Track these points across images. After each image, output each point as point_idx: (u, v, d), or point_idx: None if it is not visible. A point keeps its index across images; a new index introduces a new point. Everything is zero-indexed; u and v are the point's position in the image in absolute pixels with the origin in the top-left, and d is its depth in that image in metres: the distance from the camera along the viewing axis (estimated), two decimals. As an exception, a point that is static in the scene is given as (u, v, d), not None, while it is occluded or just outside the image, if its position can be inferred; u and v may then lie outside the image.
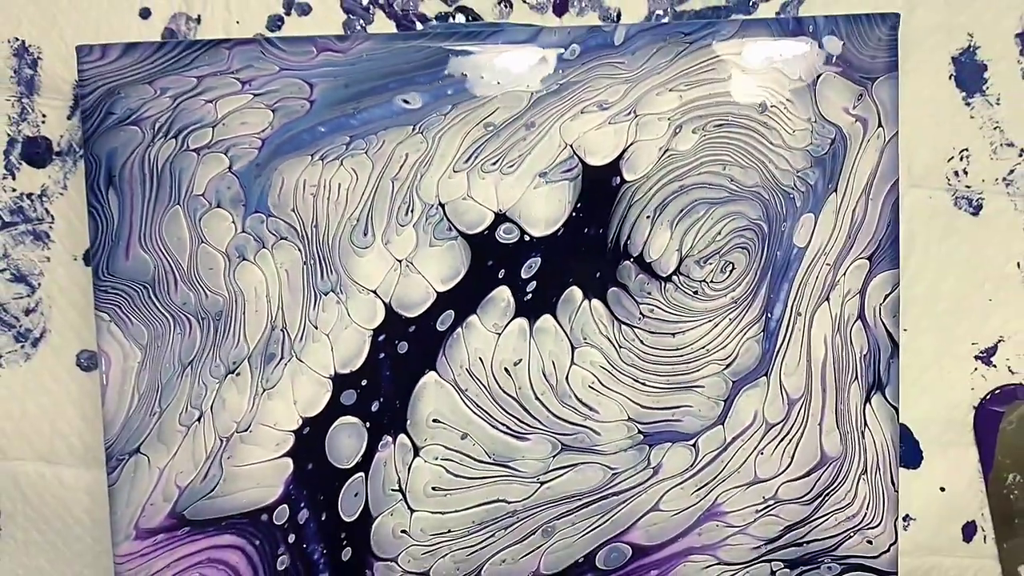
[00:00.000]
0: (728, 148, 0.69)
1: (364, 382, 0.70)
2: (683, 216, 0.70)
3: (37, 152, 0.77)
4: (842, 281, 0.70)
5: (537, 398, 0.71)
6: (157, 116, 0.69)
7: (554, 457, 0.71)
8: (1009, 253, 0.77)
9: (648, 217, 0.70)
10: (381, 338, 0.70)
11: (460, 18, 0.76)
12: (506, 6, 0.76)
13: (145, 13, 0.76)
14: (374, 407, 0.70)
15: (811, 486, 0.72)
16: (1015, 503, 0.77)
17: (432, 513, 0.72)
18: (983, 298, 0.77)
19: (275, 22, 0.76)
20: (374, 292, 0.70)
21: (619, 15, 0.76)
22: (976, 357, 0.78)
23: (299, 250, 0.69)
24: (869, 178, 0.69)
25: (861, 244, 0.70)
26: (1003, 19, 0.76)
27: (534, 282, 0.70)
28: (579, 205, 0.69)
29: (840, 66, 0.69)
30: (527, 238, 0.69)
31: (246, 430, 0.70)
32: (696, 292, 0.70)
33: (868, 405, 0.71)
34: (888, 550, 0.72)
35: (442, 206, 0.69)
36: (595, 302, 0.70)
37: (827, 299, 0.70)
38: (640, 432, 0.71)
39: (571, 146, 0.69)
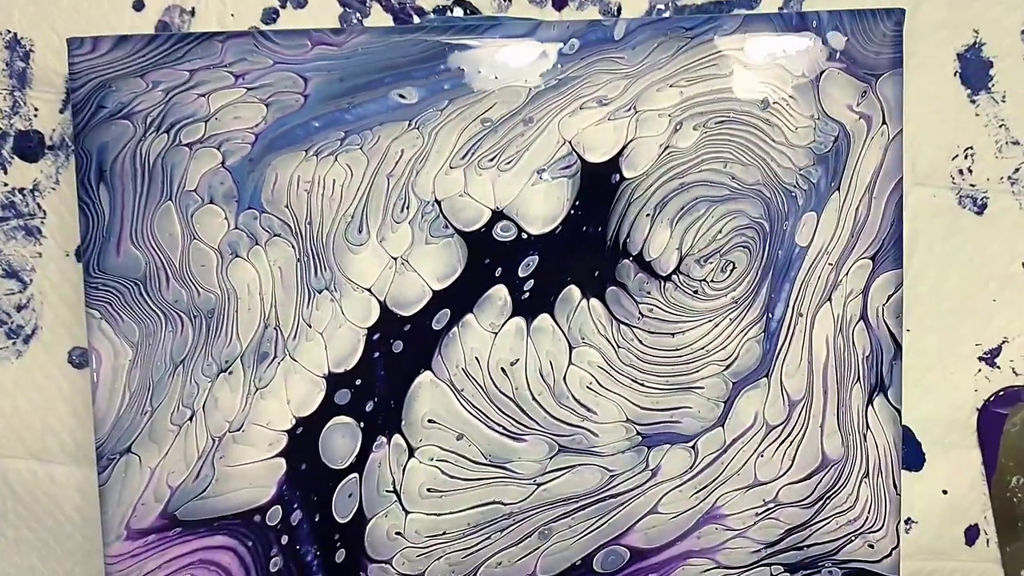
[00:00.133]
0: (729, 145, 0.69)
1: (358, 381, 0.70)
2: (683, 214, 0.69)
3: (29, 146, 0.76)
4: (844, 281, 0.70)
5: (534, 399, 0.70)
6: (149, 110, 0.68)
7: (551, 458, 0.71)
8: (1014, 252, 0.76)
9: (648, 215, 0.69)
10: (376, 337, 0.69)
11: (458, 12, 0.75)
12: (505, 0, 0.75)
13: (138, 5, 0.75)
14: (368, 407, 0.70)
15: (812, 489, 0.71)
16: (1018, 506, 0.77)
17: (427, 515, 0.71)
18: (987, 298, 0.77)
19: (270, 15, 0.75)
20: (369, 290, 0.69)
21: (619, 10, 0.75)
22: (980, 358, 0.77)
23: (293, 247, 0.69)
24: (872, 176, 0.69)
25: (864, 243, 0.69)
26: (1009, 15, 0.75)
27: (532, 281, 0.69)
28: (578, 203, 0.69)
29: (844, 62, 0.68)
30: (525, 236, 0.69)
31: (239, 430, 0.70)
32: (696, 291, 0.70)
33: (870, 407, 0.70)
34: (890, 554, 0.72)
35: (438, 203, 0.68)
36: (593, 301, 0.69)
37: (829, 299, 0.70)
38: (639, 433, 0.71)
39: (570, 142, 0.68)
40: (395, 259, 0.69)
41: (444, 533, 0.71)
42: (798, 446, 0.71)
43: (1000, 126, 0.76)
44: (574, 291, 0.69)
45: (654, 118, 0.68)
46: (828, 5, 0.72)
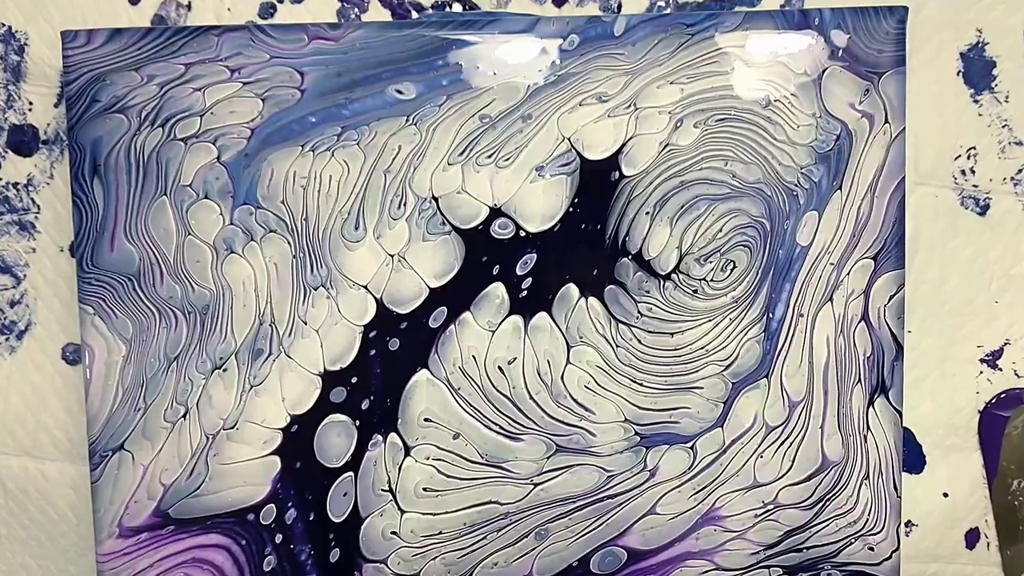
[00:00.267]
0: (730, 143, 0.68)
1: (354, 379, 0.69)
2: (683, 212, 0.69)
3: (23, 140, 0.76)
4: (846, 281, 0.69)
5: (531, 398, 0.70)
6: (144, 104, 0.67)
7: (548, 458, 0.70)
8: (1016, 254, 0.76)
9: (647, 213, 0.68)
10: (372, 334, 0.69)
11: (457, 8, 0.74)
12: (504, -4, 0.75)
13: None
14: (364, 405, 0.69)
15: (812, 490, 0.71)
16: (1019, 509, 0.77)
17: (423, 514, 0.70)
18: (989, 300, 0.76)
19: (267, 9, 0.74)
20: (365, 287, 0.68)
21: (619, 7, 0.74)
22: (981, 360, 0.77)
23: (288, 243, 0.68)
24: (875, 175, 0.68)
25: (866, 243, 0.69)
26: (1012, 15, 0.75)
27: (529, 279, 0.69)
28: (576, 200, 0.68)
29: (846, 60, 0.68)
30: (523, 234, 0.68)
31: (233, 427, 0.69)
32: (696, 291, 0.69)
33: (871, 408, 0.70)
34: (890, 557, 0.71)
35: (435, 200, 0.68)
36: (592, 300, 0.69)
37: (830, 299, 0.69)
38: (637, 434, 0.70)
39: (569, 139, 0.68)
40: (392, 256, 0.68)
41: (440, 533, 0.71)
42: (798, 447, 0.70)
43: (1003, 126, 0.75)
44: (572, 290, 0.69)
45: (654, 115, 0.68)
46: (830, 3, 0.72)
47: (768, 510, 0.71)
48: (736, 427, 0.70)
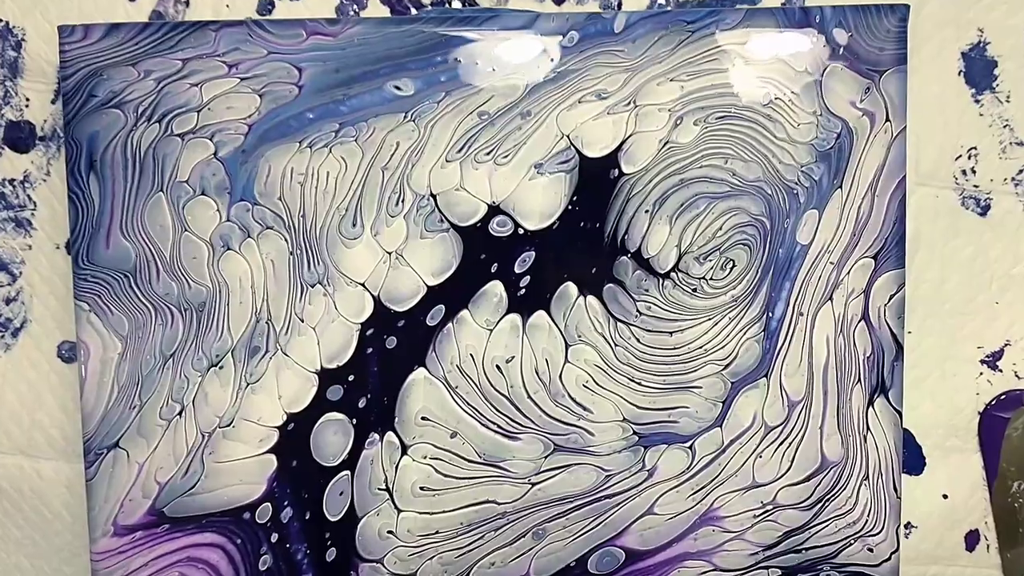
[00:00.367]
0: (730, 141, 0.68)
1: (351, 377, 0.69)
2: (683, 211, 0.68)
3: (20, 137, 0.75)
4: (846, 280, 0.69)
5: (529, 397, 0.69)
6: (141, 99, 0.67)
7: (546, 458, 0.70)
8: (1017, 255, 0.76)
9: (647, 211, 0.68)
10: (369, 332, 0.69)
11: (456, 4, 0.74)
12: (504, -7, 0.74)
13: (132, -6, 0.74)
14: (361, 403, 0.69)
15: (811, 491, 0.71)
16: (1019, 511, 0.76)
17: (420, 513, 0.70)
18: (989, 300, 0.76)
19: (266, 6, 0.74)
20: (362, 285, 0.68)
21: (620, 3, 0.74)
22: (982, 361, 0.77)
23: (285, 240, 0.68)
24: (875, 174, 0.68)
25: (866, 242, 0.69)
26: (1014, 15, 0.75)
27: (528, 277, 0.68)
28: (575, 198, 0.68)
29: (847, 58, 0.68)
30: (521, 231, 0.68)
31: (229, 425, 0.69)
32: (695, 290, 0.69)
33: (871, 408, 0.70)
34: (889, 558, 0.71)
35: (434, 197, 0.68)
36: (591, 298, 0.69)
37: (830, 299, 0.69)
38: (635, 433, 0.70)
39: (568, 137, 0.68)
40: (389, 253, 0.68)
41: (437, 532, 0.70)
42: (797, 447, 0.70)
43: (1004, 126, 0.75)
44: (571, 288, 0.69)
45: (654, 113, 0.67)
46: (831, 0, 0.71)
47: (767, 511, 0.71)
48: (735, 427, 0.70)
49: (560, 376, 0.69)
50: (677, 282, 0.69)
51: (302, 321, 0.68)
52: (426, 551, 0.70)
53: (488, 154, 0.67)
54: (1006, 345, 0.76)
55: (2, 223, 0.76)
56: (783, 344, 0.69)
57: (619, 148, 0.68)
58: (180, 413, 0.69)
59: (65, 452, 0.77)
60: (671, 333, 0.69)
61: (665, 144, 0.68)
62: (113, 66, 0.67)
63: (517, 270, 0.68)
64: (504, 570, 0.71)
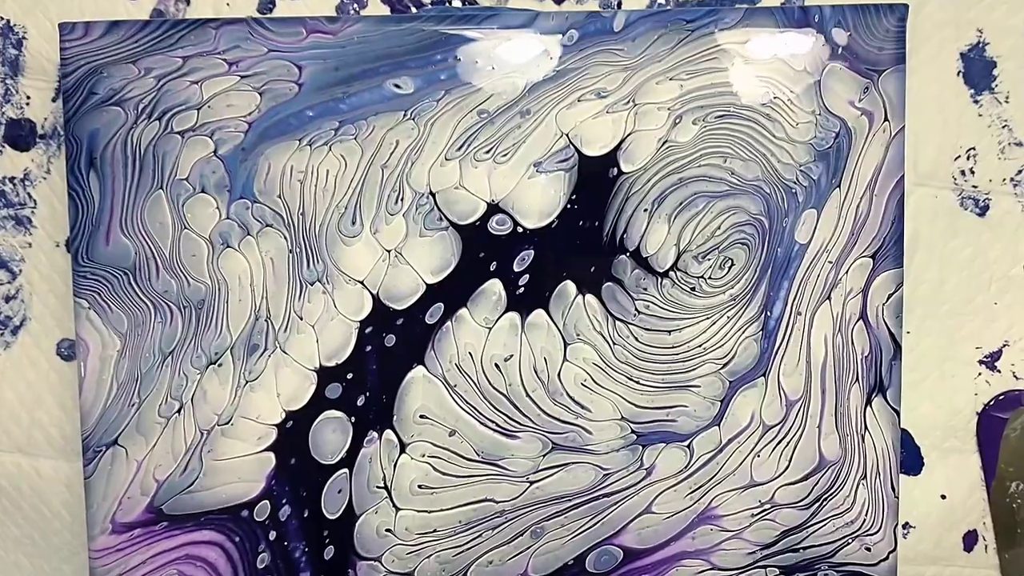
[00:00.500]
0: (729, 140, 0.68)
1: (350, 375, 0.69)
2: (682, 210, 0.68)
3: (20, 135, 0.75)
4: (844, 280, 0.69)
5: (528, 395, 0.69)
6: (141, 97, 0.67)
7: (544, 456, 0.70)
8: (1016, 255, 0.76)
9: (645, 210, 0.68)
10: (368, 330, 0.69)
11: (456, 3, 0.74)
12: (504, -7, 0.75)
13: (133, -7, 0.75)
14: (360, 401, 0.69)
15: (809, 490, 0.71)
16: (1018, 512, 0.76)
17: (418, 512, 0.70)
18: (988, 301, 0.76)
19: (266, 4, 0.74)
20: (361, 283, 0.68)
21: (619, 5, 0.74)
22: (980, 362, 0.77)
23: (285, 238, 0.68)
24: (874, 174, 0.68)
25: (864, 242, 0.69)
26: (1014, 15, 0.75)
27: (527, 275, 0.68)
28: (574, 197, 0.68)
29: (846, 58, 0.68)
30: (520, 230, 0.68)
31: (227, 423, 0.69)
32: (694, 288, 0.69)
33: (869, 408, 0.70)
34: (887, 557, 0.71)
35: (433, 195, 0.68)
36: (589, 297, 0.69)
37: (828, 298, 0.69)
38: (633, 432, 0.70)
39: (567, 135, 0.68)
40: (388, 252, 0.68)
41: (435, 531, 0.70)
42: (795, 447, 0.70)
43: (1003, 127, 0.75)
44: (570, 287, 0.69)
45: (653, 111, 0.68)
46: (831, 0, 0.71)
47: (765, 510, 0.71)
48: (733, 426, 0.70)
49: (558, 375, 0.69)
50: (676, 281, 0.69)
51: (301, 319, 0.68)
52: (424, 549, 0.70)
53: (487, 152, 0.68)
54: (1004, 345, 0.76)
55: (2, 221, 0.76)
56: (781, 343, 0.69)
57: (618, 147, 0.68)
58: (179, 411, 0.69)
59: (64, 450, 0.77)
60: (669, 332, 0.69)
61: (664, 143, 0.68)
62: (113, 64, 0.67)
63: (516, 268, 0.68)
64: (502, 568, 0.71)
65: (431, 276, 0.68)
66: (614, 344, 0.69)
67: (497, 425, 0.70)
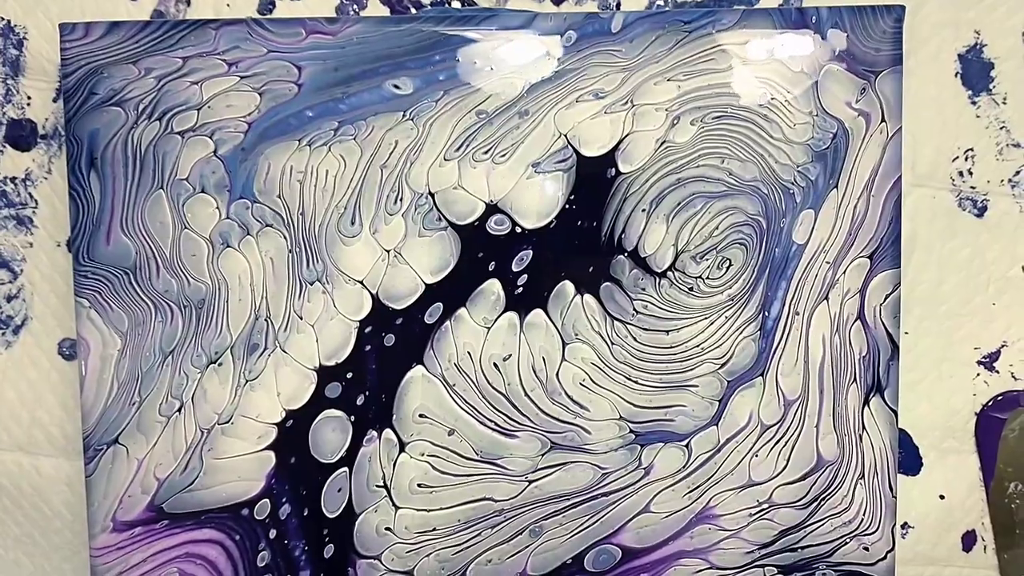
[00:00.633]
0: (727, 141, 0.68)
1: (349, 375, 0.69)
2: (679, 210, 0.69)
3: (22, 135, 0.76)
4: (842, 280, 0.69)
5: (526, 395, 0.69)
6: (141, 97, 0.67)
7: (543, 455, 0.70)
8: (1014, 256, 0.76)
9: (643, 210, 0.68)
10: (367, 330, 0.69)
11: (456, 4, 0.74)
12: (503, -6, 0.75)
13: (134, -6, 0.75)
14: (359, 401, 0.69)
15: (807, 490, 0.71)
16: (1016, 512, 0.76)
17: (417, 510, 0.70)
18: (986, 302, 0.76)
19: (266, 5, 0.74)
20: (361, 283, 0.68)
21: (619, 4, 0.75)
22: (979, 362, 0.77)
23: (285, 238, 0.68)
24: (871, 174, 0.68)
25: (862, 242, 0.69)
26: (1012, 17, 0.75)
27: (525, 275, 0.69)
28: (573, 197, 0.68)
29: (843, 59, 0.68)
30: (519, 230, 0.68)
31: (228, 422, 0.69)
32: (692, 289, 0.69)
33: (866, 408, 0.70)
34: (885, 557, 0.71)
35: (432, 195, 0.68)
36: (587, 297, 0.69)
37: (826, 298, 0.69)
38: (632, 431, 0.70)
39: (565, 136, 0.68)
40: (388, 251, 0.68)
41: (434, 529, 0.70)
42: (793, 446, 0.70)
43: (1001, 128, 0.75)
44: (568, 287, 0.69)
45: (651, 112, 0.68)
46: (828, 1, 0.72)
47: (763, 509, 0.71)
48: (731, 425, 0.70)
49: (557, 374, 0.69)
50: (674, 281, 0.69)
51: (301, 318, 0.68)
52: (423, 548, 0.70)
53: (486, 153, 0.68)
54: (1003, 346, 0.77)
55: (3, 221, 0.76)
56: (779, 343, 0.69)
57: (616, 147, 0.68)
58: (179, 410, 0.69)
59: (65, 449, 0.77)
60: (667, 332, 0.69)
61: (662, 143, 0.68)
62: (114, 64, 0.67)
63: (514, 268, 0.68)
64: (501, 567, 0.71)
65: (430, 276, 0.68)
66: (612, 344, 0.69)
67: (496, 424, 0.70)
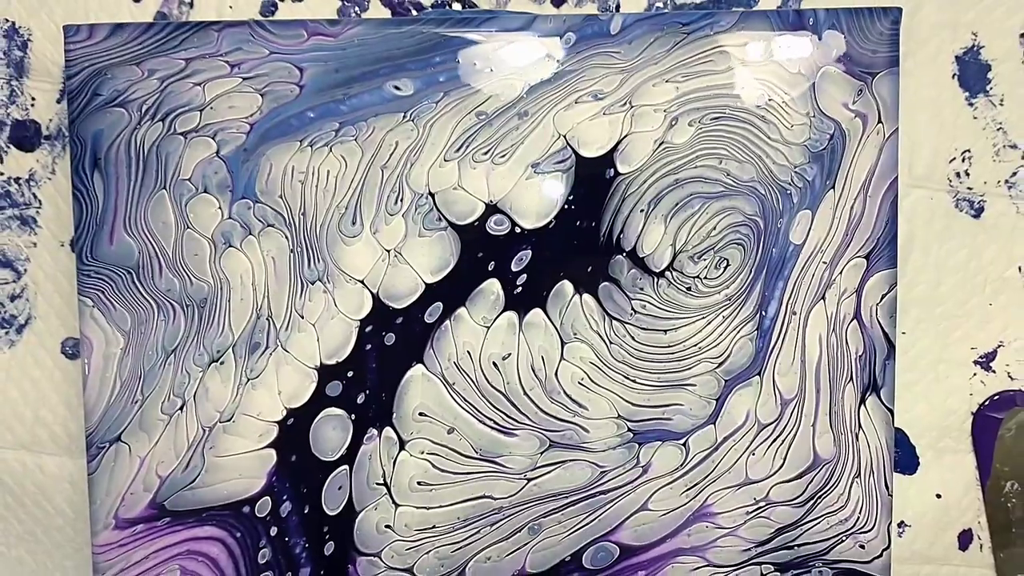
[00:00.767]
0: (725, 142, 0.68)
1: (350, 373, 0.69)
2: (678, 210, 0.69)
3: (26, 136, 0.76)
4: (838, 280, 0.69)
5: (525, 393, 0.70)
6: (144, 98, 0.68)
7: (542, 454, 0.70)
8: (1010, 257, 0.76)
9: (642, 211, 0.69)
10: (368, 329, 0.69)
11: (456, 6, 0.75)
12: (503, -4, 0.75)
13: (137, -4, 0.75)
14: (360, 399, 0.69)
15: (803, 488, 0.71)
16: (1012, 512, 0.76)
17: (417, 508, 0.71)
18: (983, 302, 0.77)
19: (268, 7, 0.75)
20: (361, 282, 0.69)
21: (618, 6, 0.75)
22: (975, 362, 0.77)
23: (286, 238, 0.68)
24: (868, 175, 0.69)
25: (858, 242, 0.69)
26: (1009, 18, 0.75)
27: (524, 275, 0.69)
28: (572, 197, 0.69)
29: (840, 60, 0.68)
30: (518, 230, 0.69)
31: (229, 420, 0.69)
32: (689, 288, 0.69)
33: (863, 407, 0.70)
34: (881, 555, 0.71)
35: (432, 196, 0.68)
36: (586, 297, 0.69)
37: (823, 298, 0.69)
38: (630, 430, 0.70)
39: (564, 137, 0.68)
40: (388, 251, 0.69)
41: (434, 527, 0.71)
42: (790, 445, 0.70)
43: (998, 129, 0.76)
44: (567, 286, 0.69)
45: (649, 113, 0.68)
46: (825, 3, 0.72)
47: (760, 507, 0.71)
48: (728, 424, 0.70)
49: (556, 373, 0.70)
50: (672, 281, 0.69)
51: (302, 318, 0.69)
52: (423, 545, 0.71)
53: (486, 154, 0.68)
54: (999, 346, 0.77)
55: (7, 221, 0.77)
56: (776, 343, 0.70)
57: (615, 148, 0.68)
58: (181, 408, 0.69)
59: (68, 448, 0.77)
60: (665, 331, 0.70)
61: (660, 144, 0.68)
62: (117, 65, 0.68)
63: (514, 268, 0.69)
64: (500, 564, 0.71)
65: (430, 276, 0.69)
66: (611, 343, 0.70)
67: (495, 423, 0.70)
